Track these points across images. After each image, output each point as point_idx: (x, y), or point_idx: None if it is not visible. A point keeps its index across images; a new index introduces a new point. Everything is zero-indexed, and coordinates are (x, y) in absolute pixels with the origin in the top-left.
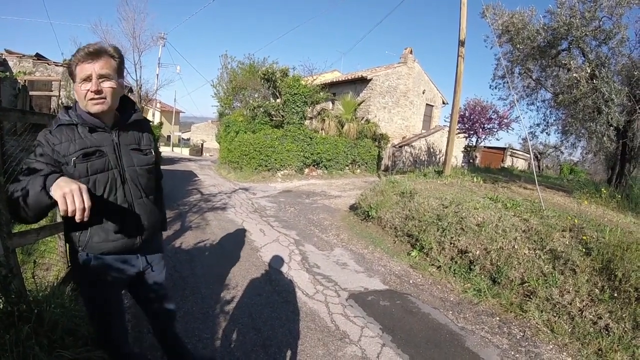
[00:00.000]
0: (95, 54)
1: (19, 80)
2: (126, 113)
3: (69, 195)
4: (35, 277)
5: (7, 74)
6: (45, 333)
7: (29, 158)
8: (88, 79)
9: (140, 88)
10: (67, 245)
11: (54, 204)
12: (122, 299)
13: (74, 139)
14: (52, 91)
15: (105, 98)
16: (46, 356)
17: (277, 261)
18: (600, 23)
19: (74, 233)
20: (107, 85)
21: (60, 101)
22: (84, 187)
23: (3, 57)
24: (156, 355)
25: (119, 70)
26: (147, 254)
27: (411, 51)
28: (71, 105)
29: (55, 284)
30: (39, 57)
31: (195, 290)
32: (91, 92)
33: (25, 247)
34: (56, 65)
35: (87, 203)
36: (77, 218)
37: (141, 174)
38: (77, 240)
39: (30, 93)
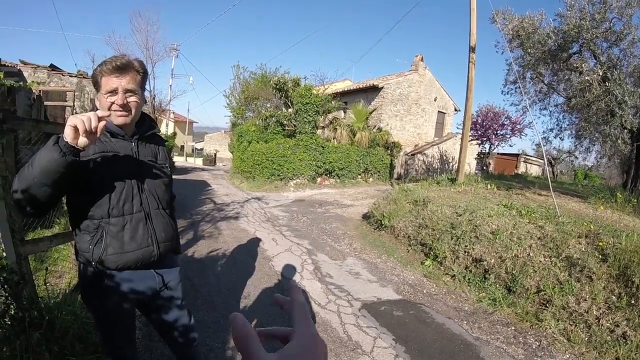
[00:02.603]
0: (122, 68)
1: (33, 90)
2: (144, 125)
3: (79, 121)
4: (47, 284)
5: (21, 83)
6: (56, 340)
7: None
8: (114, 92)
9: (153, 99)
10: (78, 263)
11: (71, 166)
12: (134, 316)
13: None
14: (66, 101)
15: (129, 111)
16: None
17: (289, 270)
18: (611, 24)
19: (87, 247)
20: (132, 99)
21: (74, 111)
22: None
23: (18, 67)
24: None
25: (143, 84)
26: (164, 268)
27: (422, 58)
28: None
29: (67, 292)
30: (53, 68)
31: (208, 300)
32: (117, 105)
33: (38, 254)
34: (70, 76)
35: (99, 123)
36: (93, 131)
37: (158, 185)
38: (91, 255)
39: (45, 103)
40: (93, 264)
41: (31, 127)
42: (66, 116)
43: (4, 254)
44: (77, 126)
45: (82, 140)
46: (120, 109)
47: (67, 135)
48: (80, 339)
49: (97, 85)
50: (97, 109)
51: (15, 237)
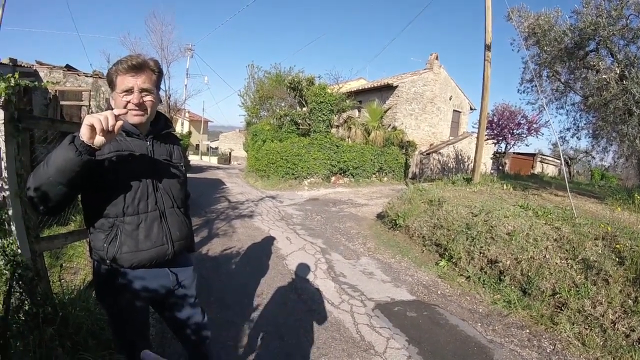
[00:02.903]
0: (138, 67)
1: (49, 90)
2: (159, 124)
3: (96, 120)
4: (62, 281)
5: (36, 83)
6: (70, 335)
7: None
8: (130, 91)
9: (169, 98)
10: (93, 261)
11: (86, 165)
12: (148, 314)
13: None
14: (82, 101)
15: (145, 110)
16: (69, 358)
17: (302, 269)
18: (628, 21)
19: (101, 245)
20: (148, 99)
21: (90, 110)
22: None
23: (34, 68)
24: None
25: (158, 83)
26: (178, 267)
27: (437, 57)
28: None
29: (81, 288)
30: (69, 68)
31: (221, 298)
32: (132, 104)
33: (53, 251)
34: (86, 76)
35: (116, 122)
36: (109, 130)
37: (173, 184)
38: (105, 253)
39: (61, 103)
40: (107, 262)
41: (47, 126)
42: (82, 115)
43: (19, 250)
44: (93, 125)
45: (99, 139)
46: (136, 108)
47: (84, 134)
48: (93, 335)
49: (112, 85)
50: (112, 108)
51: (30, 234)
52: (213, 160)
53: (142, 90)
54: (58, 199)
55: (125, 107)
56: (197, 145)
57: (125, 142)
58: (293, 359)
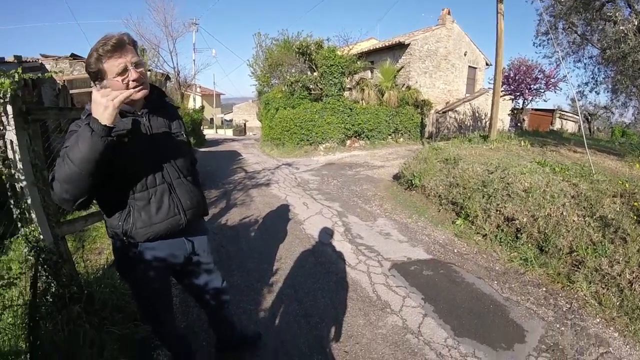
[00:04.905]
0: (120, 45)
1: (57, 81)
2: (152, 97)
3: (118, 101)
4: (87, 261)
5: (39, 75)
6: (96, 312)
7: (64, 147)
8: (125, 70)
9: (178, 75)
10: (112, 239)
11: (110, 146)
12: (170, 284)
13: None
14: (91, 87)
15: (144, 83)
16: (96, 333)
17: (320, 233)
18: None
19: (117, 223)
20: (141, 70)
21: None
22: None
23: (40, 62)
24: (202, 328)
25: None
26: (193, 236)
27: (449, 12)
28: None
29: (105, 267)
30: (74, 56)
31: (241, 265)
32: (133, 81)
33: (78, 234)
34: None
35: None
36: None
37: (176, 155)
38: (121, 230)
39: (71, 92)
40: (124, 238)
41: (56, 115)
42: None
43: (41, 236)
44: (117, 106)
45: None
46: (138, 83)
47: (110, 116)
48: (119, 310)
49: (100, 74)
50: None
51: (50, 219)
52: (228, 133)
53: (133, 64)
54: (89, 190)
55: (127, 87)
56: (212, 119)
57: (122, 122)
58: (311, 320)
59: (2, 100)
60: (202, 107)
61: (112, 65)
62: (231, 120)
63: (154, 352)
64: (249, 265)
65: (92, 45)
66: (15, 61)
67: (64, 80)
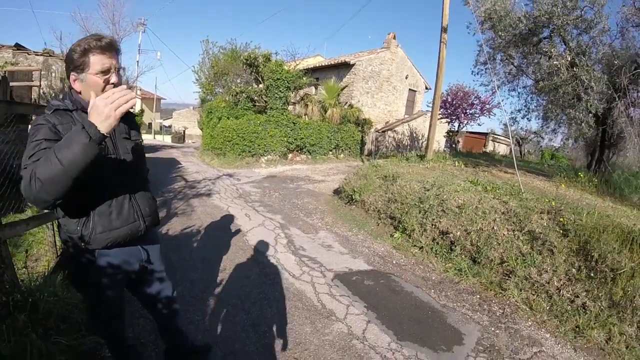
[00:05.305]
0: (111, 47)
1: None
2: None
3: (125, 105)
4: (28, 268)
5: None
6: (41, 321)
7: (34, 140)
8: (108, 71)
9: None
10: (65, 245)
11: (100, 152)
12: (123, 293)
13: (72, 122)
14: (32, 81)
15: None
16: (43, 344)
17: (263, 244)
18: (582, 12)
19: (75, 228)
20: (119, 78)
21: (41, 91)
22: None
23: None
24: (149, 339)
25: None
26: (147, 244)
27: (394, 36)
28: (54, 95)
29: (46, 274)
30: (18, 47)
31: (185, 275)
32: (112, 84)
33: (11, 239)
34: (36, 55)
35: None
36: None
37: (136, 161)
38: (80, 236)
39: (11, 84)
40: (82, 244)
41: (4, 108)
42: (32, 96)
43: None
44: (118, 117)
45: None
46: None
47: (108, 127)
48: (63, 319)
49: (82, 65)
50: (72, 89)
51: None
52: (167, 139)
53: (115, 69)
54: (67, 192)
55: (103, 89)
56: (150, 124)
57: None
58: (259, 329)
59: None
60: (142, 111)
61: (97, 61)
62: (170, 126)
63: None
64: (193, 275)
65: (43, 36)
66: None
67: (5, 72)
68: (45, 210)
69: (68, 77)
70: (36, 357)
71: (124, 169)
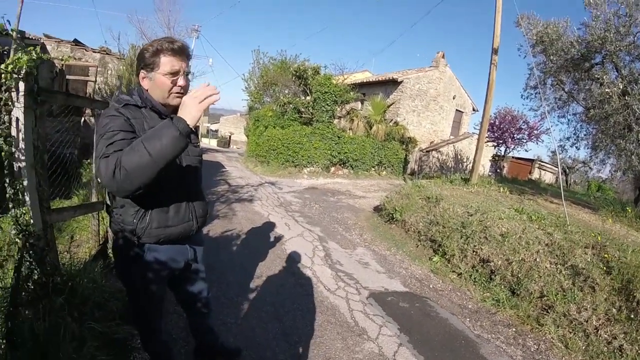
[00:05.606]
0: (183, 51)
1: (56, 64)
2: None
3: (207, 102)
4: (70, 252)
5: (42, 55)
6: (77, 305)
7: (110, 130)
8: (176, 73)
9: None
10: (115, 236)
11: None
12: (165, 288)
13: (143, 118)
14: (88, 76)
15: (185, 94)
16: (77, 327)
17: (300, 255)
18: (635, 39)
19: (131, 220)
20: (187, 82)
21: (97, 86)
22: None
23: (42, 41)
24: (180, 335)
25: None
26: (195, 245)
27: (443, 55)
28: (113, 90)
29: (86, 260)
30: (77, 43)
31: (222, 277)
32: (179, 86)
33: (56, 224)
34: (94, 52)
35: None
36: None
37: (195, 163)
38: (135, 228)
39: (67, 77)
40: (134, 237)
41: (63, 99)
42: (87, 90)
43: (32, 221)
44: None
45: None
46: (182, 91)
47: (194, 121)
48: (99, 306)
49: (152, 64)
50: (141, 87)
51: (42, 205)
52: (212, 143)
53: (184, 73)
54: (150, 183)
55: (170, 90)
56: (197, 127)
57: (159, 122)
58: (290, 339)
59: (16, 76)
60: None
61: (167, 62)
62: (217, 131)
63: (131, 355)
64: (230, 278)
65: (104, 34)
66: (19, 36)
67: (63, 65)
68: (94, 200)
69: (137, 74)
70: (69, 339)
71: (186, 168)
